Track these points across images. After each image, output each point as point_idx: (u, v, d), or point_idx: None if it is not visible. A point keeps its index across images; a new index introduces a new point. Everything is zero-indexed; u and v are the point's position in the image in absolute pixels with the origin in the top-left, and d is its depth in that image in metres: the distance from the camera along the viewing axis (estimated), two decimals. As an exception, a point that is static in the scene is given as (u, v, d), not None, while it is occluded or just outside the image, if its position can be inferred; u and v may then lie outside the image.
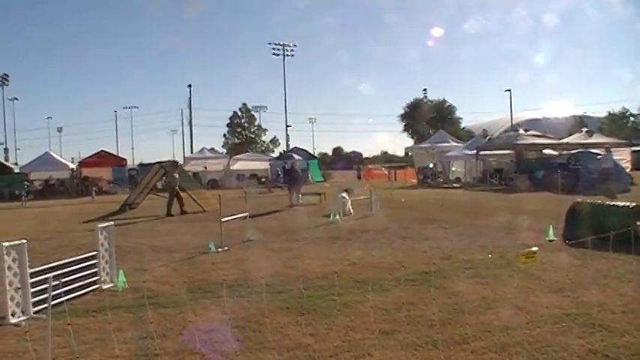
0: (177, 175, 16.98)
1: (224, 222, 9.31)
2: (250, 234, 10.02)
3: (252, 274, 6.96)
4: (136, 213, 16.82)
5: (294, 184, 18.63)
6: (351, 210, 14.05)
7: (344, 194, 15.60)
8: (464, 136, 49.34)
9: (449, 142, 33.80)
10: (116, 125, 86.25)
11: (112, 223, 6.83)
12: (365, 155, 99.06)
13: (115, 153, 39.72)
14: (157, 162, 18.69)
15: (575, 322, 4.65)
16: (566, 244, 8.02)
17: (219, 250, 8.83)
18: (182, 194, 16.68)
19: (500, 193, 20.41)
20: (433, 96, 63.66)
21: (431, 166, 31.25)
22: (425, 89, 64.49)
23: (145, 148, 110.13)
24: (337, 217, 12.56)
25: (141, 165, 39.20)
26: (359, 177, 40.95)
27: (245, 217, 10.43)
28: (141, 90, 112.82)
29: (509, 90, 55.75)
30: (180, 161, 34.72)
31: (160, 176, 19.20)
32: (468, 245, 8.56)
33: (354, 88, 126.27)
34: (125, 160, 36.54)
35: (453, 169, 30.80)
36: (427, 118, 60.51)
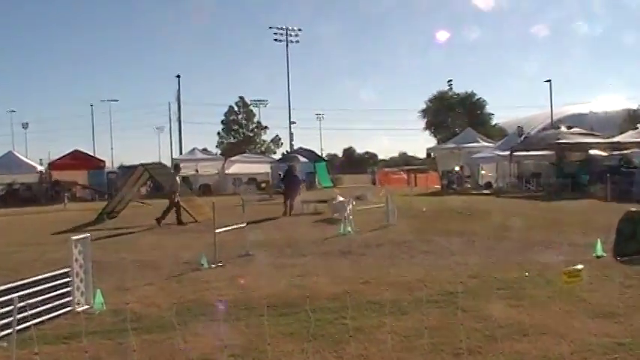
0: (179, 179, 17.14)
1: (218, 233, 9.34)
2: (249, 247, 10.04)
3: (251, 293, 6.96)
4: (117, 223, 16.89)
5: (290, 190, 18.62)
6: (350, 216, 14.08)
7: (339, 198, 15.83)
8: (495, 134, 49.06)
9: (478, 141, 33.78)
10: (92, 121, 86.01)
11: (89, 234, 6.85)
12: (380, 157, 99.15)
13: (91, 153, 40.10)
14: (141, 164, 18.71)
15: (629, 354, 4.56)
16: (617, 261, 7.94)
17: (213, 265, 8.86)
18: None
19: (538, 201, 20.31)
20: (460, 88, 63.45)
21: (457, 169, 31.20)
22: (450, 81, 63.98)
23: (126, 148, 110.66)
24: (348, 228, 12.54)
25: (122, 167, 39.50)
26: (373, 182, 41.06)
27: (243, 228, 10.45)
28: (122, 81, 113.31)
29: (549, 81, 55.37)
30: (168, 163, 34.93)
31: (145, 180, 19.29)
32: (501, 261, 8.53)
33: (369, 80, 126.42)
34: (103, 161, 36.76)
35: (483, 172, 30.74)
36: (453, 114, 60.36)
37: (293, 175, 19.74)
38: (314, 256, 9.67)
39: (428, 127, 62.77)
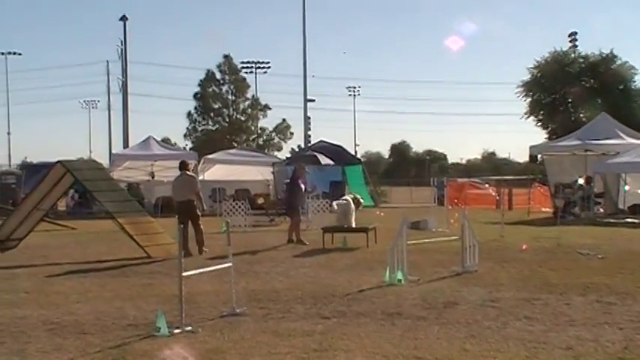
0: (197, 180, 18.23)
1: (187, 278, 9.29)
2: (236, 302, 9.99)
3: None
4: (16, 257, 16.89)
5: (293, 206, 19.38)
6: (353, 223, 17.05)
7: (346, 198, 15.82)
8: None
9: (619, 136, 32.94)
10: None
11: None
12: (451, 159, 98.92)
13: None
14: (58, 161, 18.64)
15: None
16: None
17: (177, 331, 8.82)
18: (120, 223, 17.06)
19: None
20: (589, 47, 62.46)
21: (580, 182, 30.60)
22: (573, 34, 63.06)
23: (34, 135, 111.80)
24: (399, 274, 12.48)
25: (26, 166, 39.83)
26: (440, 199, 40.65)
27: (227, 270, 10.37)
28: (27, 23, 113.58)
29: None
30: (103, 161, 34.95)
31: (66, 187, 19.21)
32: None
33: (433, 37, 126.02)
34: None
35: (627, 188, 30.14)
36: (576, 90, 58.31)
37: (296, 185, 20.09)
38: (340, 318, 9.64)
39: (532, 111, 61.32)
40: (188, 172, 18.83)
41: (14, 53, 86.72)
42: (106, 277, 13.91)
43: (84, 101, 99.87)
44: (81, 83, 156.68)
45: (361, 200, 19.98)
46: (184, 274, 9.12)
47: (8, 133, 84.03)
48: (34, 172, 33.27)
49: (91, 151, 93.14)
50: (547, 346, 8.01)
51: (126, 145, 53.58)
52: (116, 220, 17.29)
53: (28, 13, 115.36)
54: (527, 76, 60.14)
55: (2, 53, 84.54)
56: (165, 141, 51.25)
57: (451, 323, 9.21)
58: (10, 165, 40.09)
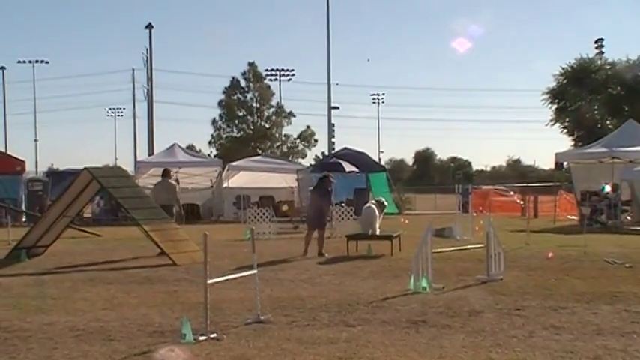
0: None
1: (212, 285, 9.29)
2: (260, 309, 9.99)
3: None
4: (43, 263, 17.03)
5: (319, 214, 19.11)
6: (378, 231, 17.82)
7: (371, 205, 15.72)
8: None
9: (646, 143, 32.67)
10: (4, 96, 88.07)
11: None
12: (476, 166, 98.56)
13: (0, 149, 40.78)
14: (85, 168, 18.78)
15: None
16: None
17: (202, 338, 8.82)
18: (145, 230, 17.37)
19: None
20: (616, 53, 62.13)
21: (607, 189, 30.35)
22: (599, 40, 62.74)
23: (61, 143, 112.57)
24: (424, 282, 12.46)
25: (52, 173, 40.08)
26: (464, 207, 40.48)
27: (252, 277, 10.40)
28: (56, 31, 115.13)
29: None
30: (128, 168, 35.13)
31: (93, 194, 19.33)
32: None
33: (456, 43, 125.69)
34: (22, 162, 37.38)
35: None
36: (603, 98, 58.10)
37: (324, 190, 19.80)
38: (365, 326, 9.61)
39: (558, 118, 61.07)
40: (170, 180, 20.98)
41: (42, 62, 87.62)
42: (132, 283, 13.97)
43: (109, 109, 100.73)
44: (107, 91, 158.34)
45: (385, 203, 19.92)
46: (209, 281, 9.13)
47: (35, 141, 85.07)
48: (60, 179, 33.54)
49: (116, 159, 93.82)
50: (574, 356, 7.94)
51: (151, 152, 53.83)
52: (141, 227, 17.44)
53: (56, 22, 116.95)
54: (552, 83, 60.12)
55: (30, 62, 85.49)
56: (190, 148, 51.46)
57: (476, 332, 9.16)
58: (37, 172, 40.41)
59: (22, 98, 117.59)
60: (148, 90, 59.53)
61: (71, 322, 10.03)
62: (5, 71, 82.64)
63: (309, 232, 18.88)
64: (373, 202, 20.07)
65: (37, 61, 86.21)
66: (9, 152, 40.61)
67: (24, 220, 30.37)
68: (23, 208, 33.09)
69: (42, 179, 37.54)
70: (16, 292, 12.13)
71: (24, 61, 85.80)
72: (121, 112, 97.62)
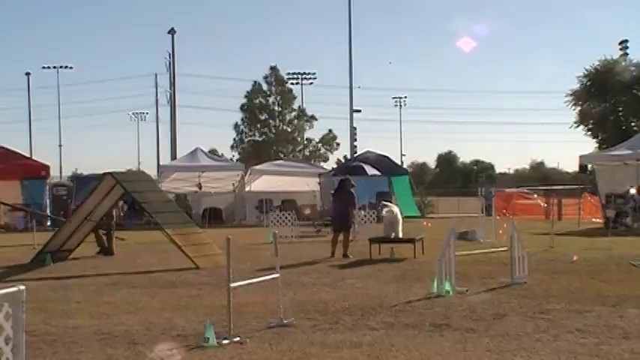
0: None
1: (235, 289, 9.29)
2: (283, 313, 9.99)
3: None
4: (69, 267, 17.11)
5: (344, 216, 19.11)
6: (400, 234, 18.25)
7: (390, 207, 15.65)
8: None
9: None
10: (29, 102, 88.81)
11: (23, 287, 6.74)
12: (499, 169, 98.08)
13: (25, 154, 41.07)
14: (109, 173, 18.86)
15: None
16: None
17: (225, 342, 8.85)
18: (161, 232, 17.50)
19: None
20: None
21: (632, 192, 30.09)
22: (624, 42, 62.22)
23: (84, 148, 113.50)
24: (447, 285, 12.42)
25: (76, 178, 40.34)
26: (487, 210, 40.28)
27: (274, 281, 10.36)
28: (79, 37, 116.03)
29: None
30: (151, 173, 35.31)
31: (116, 199, 19.40)
32: None
33: (480, 45, 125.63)
34: (46, 167, 37.52)
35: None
36: (628, 100, 57.67)
37: (347, 192, 19.82)
38: (389, 330, 9.60)
39: (582, 120, 60.74)
40: None
41: (66, 67, 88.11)
42: (155, 287, 14.05)
43: (133, 113, 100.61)
44: (130, 96, 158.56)
45: (394, 210, 20.01)
46: (232, 285, 9.15)
47: (60, 145, 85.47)
48: (84, 183, 33.66)
49: (139, 163, 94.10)
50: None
51: (174, 156, 54.08)
52: (164, 231, 17.51)
53: (80, 28, 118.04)
54: (576, 85, 59.73)
55: (54, 67, 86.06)
56: (213, 152, 51.54)
57: (501, 335, 9.13)
58: (61, 177, 40.75)
59: (47, 104, 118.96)
60: (170, 94, 59.92)
61: (96, 326, 10.10)
62: (30, 77, 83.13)
63: (335, 234, 18.96)
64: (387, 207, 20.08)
65: (61, 67, 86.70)
66: (34, 157, 40.99)
67: (48, 224, 30.54)
68: (48, 212, 33.35)
69: (66, 184, 37.88)
70: (42, 296, 12.21)
71: (48, 67, 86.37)
72: (144, 117, 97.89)
